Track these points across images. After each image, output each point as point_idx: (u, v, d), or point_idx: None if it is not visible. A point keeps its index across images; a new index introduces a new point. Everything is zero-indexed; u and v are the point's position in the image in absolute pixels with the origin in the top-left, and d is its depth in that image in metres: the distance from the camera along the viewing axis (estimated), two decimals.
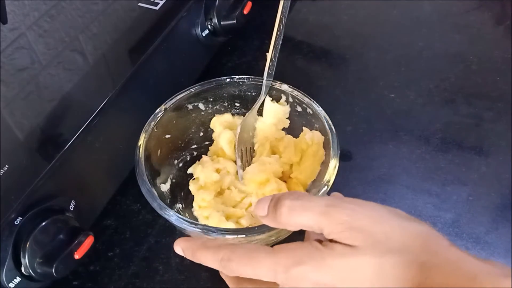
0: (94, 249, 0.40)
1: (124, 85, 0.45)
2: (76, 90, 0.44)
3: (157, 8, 0.51)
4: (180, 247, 0.34)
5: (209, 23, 0.55)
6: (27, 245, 0.36)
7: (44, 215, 0.37)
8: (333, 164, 0.41)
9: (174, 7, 0.52)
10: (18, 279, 0.37)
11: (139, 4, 0.52)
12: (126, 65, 0.47)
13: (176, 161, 0.49)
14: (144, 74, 0.48)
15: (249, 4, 0.57)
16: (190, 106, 0.48)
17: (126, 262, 0.45)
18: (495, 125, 0.55)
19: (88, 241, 0.39)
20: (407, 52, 0.63)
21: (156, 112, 0.45)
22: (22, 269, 0.37)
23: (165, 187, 0.46)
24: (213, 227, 0.38)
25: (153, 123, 0.44)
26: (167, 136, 0.47)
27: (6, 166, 0.37)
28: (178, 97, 0.46)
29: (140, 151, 0.42)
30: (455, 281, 0.27)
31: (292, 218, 0.31)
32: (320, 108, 0.45)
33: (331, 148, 0.42)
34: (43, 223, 0.37)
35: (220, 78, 0.48)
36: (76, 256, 0.38)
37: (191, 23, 0.54)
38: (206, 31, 0.56)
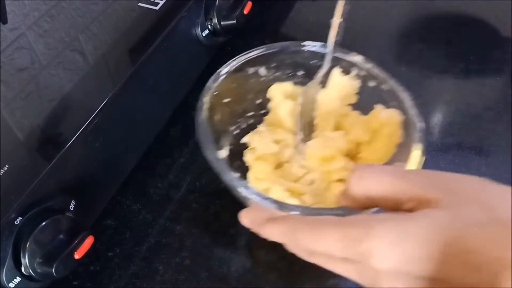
0: (94, 249, 0.40)
1: (124, 85, 0.45)
2: (76, 90, 0.44)
3: (157, 8, 0.51)
4: (248, 220, 0.32)
5: (209, 23, 0.55)
6: (27, 245, 0.36)
7: (44, 215, 0.37)
8: (417, 155, 0.36)
9: (174, 7, 0.52)
10: (18, 279, 0.37)
11: (139, 4, 0.52)
12: (126, 65, 0.47)
13: (232, 128, 0.46)
14: (144, 74, 0.48)
15: (249, 4, 0.57)
16: (251, 70, 0.45)
17: (126, 262, 0.45)
18: (495, 125, 0.55)
19: (88, 241, 0.39)
20: (407, 52, 0.63)
21: (216, 73, 0.42)
22: (22, 269, 0.37)
23: (223, 154, 0.42)
24: (293, 205, 0.34)
25: (215, 84, 0.41)
26: (226, 100, 0.43)
27: (6, 166, 0.37)
28: (241, 58, 0.43)
29: (203, 114, 0.38)
30: None
31: (362, 185, 0.28)
32: (399, 85, 0.40)
33: (414, 133, 0.37)
34: (43, 223, 0.37)
35: (285, 42, 0.44)
36: (76, 256, 0.38)
37: (191, 23, 0.54)
38: (206, 31, 0.56)
